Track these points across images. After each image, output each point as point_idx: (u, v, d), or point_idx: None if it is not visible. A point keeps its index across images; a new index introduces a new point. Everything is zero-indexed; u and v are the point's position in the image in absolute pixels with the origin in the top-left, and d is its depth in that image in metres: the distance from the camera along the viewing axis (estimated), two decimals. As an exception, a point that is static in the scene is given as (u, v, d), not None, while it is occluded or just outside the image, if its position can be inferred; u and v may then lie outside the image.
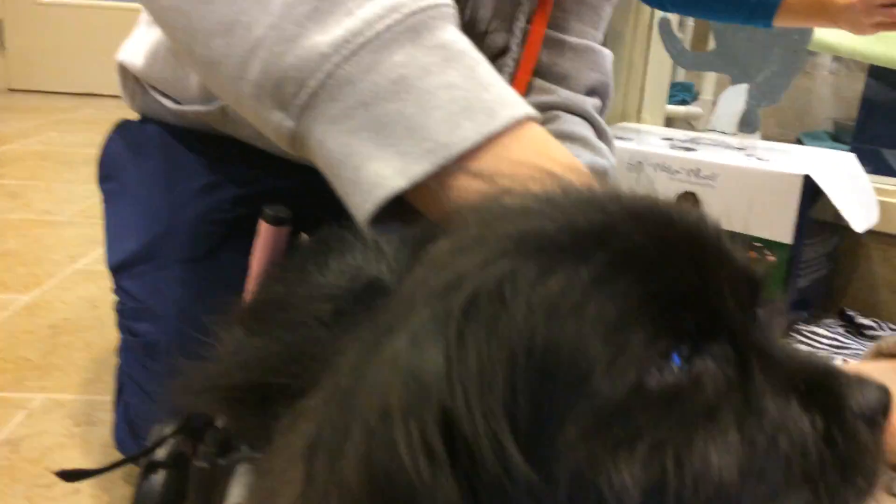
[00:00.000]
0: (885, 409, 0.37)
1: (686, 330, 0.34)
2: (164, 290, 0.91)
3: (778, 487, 0.35)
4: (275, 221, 0.74)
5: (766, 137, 1.94)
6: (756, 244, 1.55)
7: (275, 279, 0.73)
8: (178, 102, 0.96)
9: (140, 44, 0.97)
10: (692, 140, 1.78)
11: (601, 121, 0.98)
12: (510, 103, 0.56)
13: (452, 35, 0.59)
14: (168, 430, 0.74)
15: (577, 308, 0.33)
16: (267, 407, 0.52)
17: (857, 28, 1.35)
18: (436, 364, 0.32)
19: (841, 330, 1.59)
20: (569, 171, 0.51)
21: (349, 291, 0.56)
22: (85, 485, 0.95)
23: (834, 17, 1.37)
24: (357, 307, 0.52)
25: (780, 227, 1.50)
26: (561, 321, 0.33)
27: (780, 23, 1.42)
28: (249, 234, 0.77)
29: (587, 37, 0.99)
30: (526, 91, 0.93)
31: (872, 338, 1.55)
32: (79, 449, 1.03)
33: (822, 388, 0.37)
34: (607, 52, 1.01)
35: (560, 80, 0.95)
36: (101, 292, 1.51)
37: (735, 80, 1.78)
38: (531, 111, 0.57)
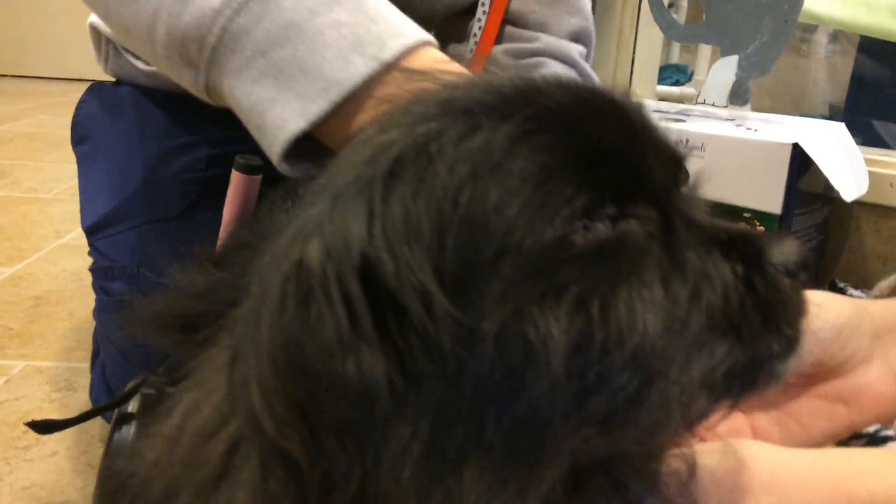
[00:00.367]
0: (804, 263, 0.37)
1: (611, 188, 0.34)
2: (137, 249, 0.90)
3: (702, 336, 0.35)
4: (246, 170, 0.73)
5: (758, 114, 1.93)
6: (745, 214, 1.54)
7: (242, 225, 0.73)
8: (148, 63, 0.95)
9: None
10: (682, 112, 1.77)
11: (587, 67, 0.97)
12: (401, 32, 0.56)
13: None
14: (139, 380, 0.73)
15: (502, 162, 0.33)
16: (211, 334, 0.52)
17: None
18: (358, 219, 0.32)
19: (831, 301, 1.58)
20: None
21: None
22: (61, 446, 0.94)
23: None
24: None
25: (769, 197, 1.49)
26: (486, 175, 0.33)
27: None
28: (223, 194, 0.76)
29: None
30: (499, 38, 0.92)
31: (862, 308, 1.54)
32: (57, 413, 1.02)
33: (742, 241, 0.37)
34: None
35: (539, 27, 0.94)
36: (85, 265, 1.48)
37: (725, 52, 1.76)
38: (425, 37, 0.57)
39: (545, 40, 0.94)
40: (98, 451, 0.93)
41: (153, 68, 0.94)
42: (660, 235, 0.36)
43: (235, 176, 0.73)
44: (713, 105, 1.79)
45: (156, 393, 0.58)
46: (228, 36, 0.56)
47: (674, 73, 3.16)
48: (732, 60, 1.73)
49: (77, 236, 1.69)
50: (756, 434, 0.56)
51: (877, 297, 0.62)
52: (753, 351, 0.36)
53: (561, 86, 0.37)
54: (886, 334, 0.55)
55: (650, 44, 1.99)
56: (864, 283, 1.65)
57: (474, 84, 0.37)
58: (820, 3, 1.72)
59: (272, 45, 0.55)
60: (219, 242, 0.73)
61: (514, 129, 0.34)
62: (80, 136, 1.01)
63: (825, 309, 0.51)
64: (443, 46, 0.91)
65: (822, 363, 0.54)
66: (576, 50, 0.96)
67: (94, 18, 0.98)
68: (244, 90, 0.57)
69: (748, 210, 1.53)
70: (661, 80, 2.84)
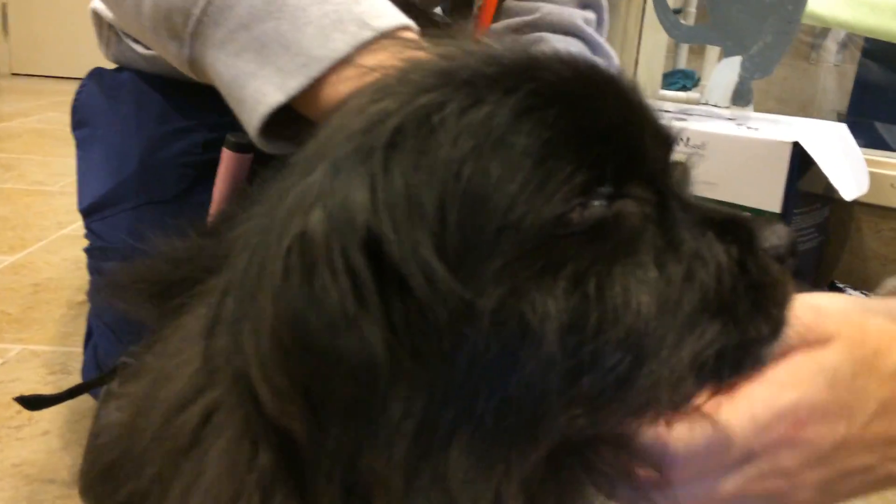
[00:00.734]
0: (792, 249, 0.37)
1: (609, 167, 0.34)
2: (132, 231, 0.91)
3: (694, 317, 0.35)
4: (237, 148, 0.74)
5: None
6: (744, 213, 1.54)
7: (233, 203, 0.73)
8: (148, 48, 0.95)
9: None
10: (684, 111, 1.77)
11: (595, 35, 0.94)
12: (382, 14, 0.56)
13: None
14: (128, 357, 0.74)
15: (505, 137, 0.33)
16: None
17: None
18: (361, 190, 0.32)
19: (831, 302, 1.58)
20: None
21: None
22: (53, 426, 0.95)
23: None
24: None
25: (769, 196, 1.49)
26: (489, 150, 0.33)
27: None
28: (219, 177, 0.77)
29: None
30: (497, 13, 0.91)
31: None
32: (51, 395, 1.03)
33: (735, 225, 0.37)
34: None
35: None
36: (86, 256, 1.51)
37: (728, 53, 1.76)
38: (405, 21, 0.57)
39: (546, 9, 0.92)
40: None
41: (153, 52, 0.94)
42: (655, 216, 0.36)
43: (226, 154, 0.74)
44: (716, 105, 1.79)
45: (135, 362, 0.58)
46: (213, 9, 0.57)
47: (681, 79, 3.15)
48: (735, 61, 1.73)
49: (79, 227, 1.69)
50: None
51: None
52: (743, 334, 0.36)
53: (561, 60, 0.36)
54: None
55: (654, 46, 2.00)
56: (865, 284, 1.64)
57: (473, 55, 0.37)
58: (824, 4, 1.72)
59: (255, 19, 0.56)
60: (209, 220, 0.74)
61: (518, 103, 0.33)
62: (79, 120, 1.02)
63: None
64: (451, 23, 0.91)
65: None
66: (580, 16, 0.93)
67: (96, 4, 0.99)
68: (226, 63, 0.58)
69: (748, 209, 1.53)
70: (668, 86, 2.84)
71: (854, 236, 1.65)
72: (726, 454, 0.42)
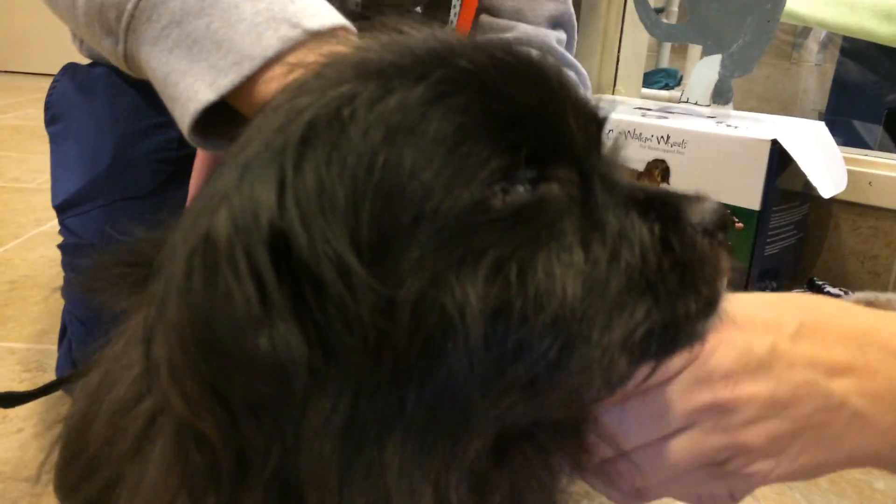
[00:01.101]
0: (721, 223, 0.37)
1: (529, 150, 0.33)
2: (106, 227, 0.90)
3: (621, 298, 0.35)
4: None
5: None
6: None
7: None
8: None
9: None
10: (664, 109, 1.78)
11: (568, 55, 0.96)
12: (316, 14, 0.56)
13: None
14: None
15: (416, 125, 0.32)
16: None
17: None
18: (267, 189, 0.31)
19: (809, 299, 1.59)
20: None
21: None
22: (28, 423, 0.94)
23: None
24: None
25: (748, 193, 1.50)
26: (400, 139, 0.32)
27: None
28: (194, 174, 0.76)
29: None
30: (473, 29, 0.92)
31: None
32: (25, 393, 1.01)
33: (660, 202, 0.37)
34: None
35: (515, 15, 0.94)
36: (63, 253, 1.50)
37: (708, 51, 1.77)
38: (341, 21, 0.57)
39: (521, 29, 0.94)
40: (64, 429, 0.92)
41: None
42: (579, 197, 0.36)
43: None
44: (696, 104, 1.80)
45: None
46: (145, 3, 0.56)
47: (663, 78, 3.17)
48: (715, 59, 1.74)
49: (56, 225, 1.69)
50: None
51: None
52: (672, 311, 0.36)
53: (476, 47, 0.36)
54: None
55: (635, 45, 2.00)
56: (843, 281, 1.65)
57: (388, 46, 0.36)
58: (803, 3, 1.73)
59: (187, 15, 0.55)
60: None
61: (428, 90, 0.33)
62: (53, 116, 1.01)
63: None
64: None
65: None
66: (554, 37, 0.96)
67: (70, -2, 0.98)
68: (159, 60, 0.57)
69: (728, 206, 1.54)
70: (651, 84, 2.85)
71: (832, 234, 1.66)
72: (663, 417, 0.42)
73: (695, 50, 2.78)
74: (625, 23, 1.96)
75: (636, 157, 1.65)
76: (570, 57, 0.98)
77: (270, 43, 0.54)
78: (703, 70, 1.76)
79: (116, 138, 0.93)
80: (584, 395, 0.36)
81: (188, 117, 0.57)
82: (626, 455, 0.42)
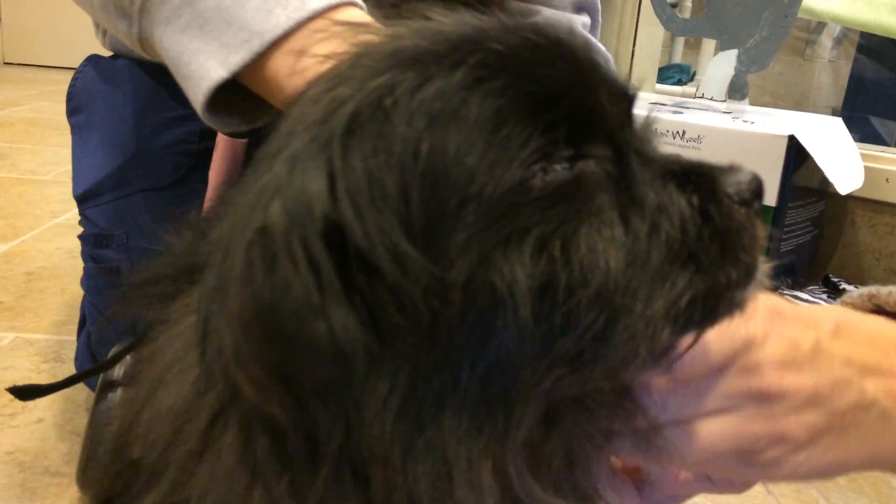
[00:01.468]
0: (757, 192, 0.37)
1: (565, 129, 0.34)
2: (127, 217, 0.90)
3: (663, 269, 0.35)
4: (233, 132, 0.73)
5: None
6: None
7: (230, 185, 0.73)
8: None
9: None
10: (680, 104, 1.77)
11: (593, 39, 0.96)
12: None
13: None
14: (123, 347, 0.73)
15: (456, 111, 0.33)
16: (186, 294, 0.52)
17: None
18: (317, 181, 0.32)
19: (824, 296, 1.58)
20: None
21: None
22: (47, 413, 0.95)
23: None
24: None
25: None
26: (442, 126, 0.33)
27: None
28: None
29: None
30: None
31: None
32: (45, 383, 1.02)
33: (696, 173, 0.37)
34: None
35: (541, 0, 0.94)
36: (79, 245, 1.50)
37: (724, 47, 1.76)
38: None
39: (546, 13, 0.94)
40: (83, 418, 0.93)
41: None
42: (616, 173, 0.36)
43: (222, 138, 0.74)
44: (711, 99, 1.79)
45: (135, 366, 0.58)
46: None
47: (677, 73, 3.16)
48: (731, 55, 1.73)
49: (72, 216, 1.69)
50: None
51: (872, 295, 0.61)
52: (713, 280, 0.36)
53: (507, 30, 0.36)
54: None
55: (650, 40, 2.00)
56: (858, 277, 1.65)
57: (420, 33, 0.36)
58: (819, -2, 1.72)
59: None
60: (206, 204, 0.73)
61: (466, 76, 0.34)
62: (75, 107, 1.02)
63: None
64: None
65: None
66: (579, 21, 0.95)
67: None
68: (172, 40, 0.58)
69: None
70: (664, 80, 2.84)
71: (848, 230, 1.65)
72: (705, 396, 0.42)
73: (708, 45, 2.76)
74: (640, 18, 1.96)
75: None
76: (595, 41, 0.97)
77: (280, 20, 0.55)
78: (719, 65, 1.76)
79: (138, 130, 0.93)
80: (629, 366, 0.37)
81: (201, 95, 0.57)
82: (674, 425, 0.42)
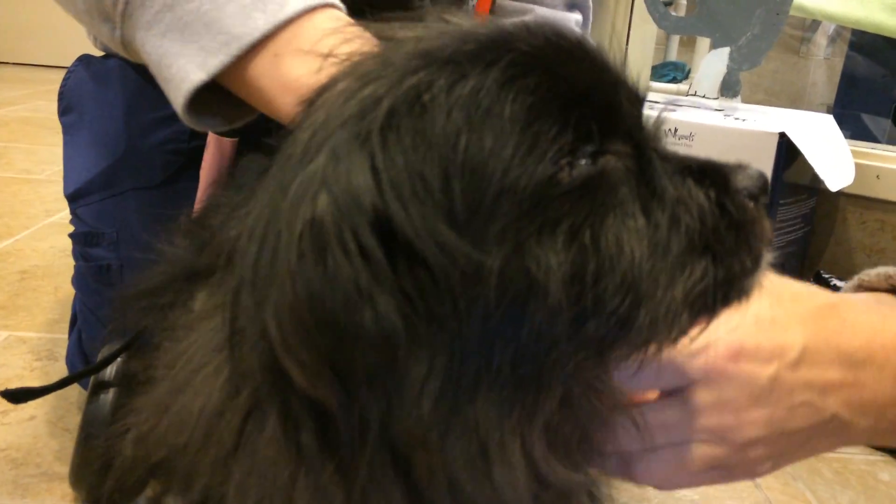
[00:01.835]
0: (764, 188, 0.41)
1: (590, 127, 0.36)
2: (117, 216, 0.91)
3: (682, 258, 0.38)
4: (223, 132, 0.74)
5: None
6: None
7: (219, 187, 0.73)
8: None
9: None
10: (672, 101, 1.78)
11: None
12: None
13: None
14: (116, 348, 0.74)
15: (492, 107, 0.35)
16: (187, 299, 0.52)
17: None
18: (363, 174, 0.33)
19: (816, 292, 1.59)
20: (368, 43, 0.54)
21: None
22: (39, 411, 0.95)
23: None
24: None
25: (755, 186, 1.50)
26: (479, 121, 0.35)
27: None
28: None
29: None
30: (492, 12, 0.92)
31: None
32: (37, 381, 1.02)
33: (710, 170, 0.41)
34: None
35: None
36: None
37: (716, 44, 1.76)
38: None
39: (539, 12, 0.94)
40: (75, 416, 0.93)
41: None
42: (636, 168, 0.39)
43: (213, 138, 0.74)
44: (704, 96, 1.80)
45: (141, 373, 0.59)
46: None
47: (672, 71, 3.16)
48: (724, 52, 1.74)
49: (67, 216, 1.69)
50: None
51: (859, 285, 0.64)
52: (729, 268, 0.39)
53: (530, 31, 0.38)
54: None
55: (643, 39, 2.00)
56: (850, 274, 1.64)
57: (447, 35, 0.38)
58: (811, -5, 1.73)
59: None
60: (196, 205, 0.74)
61: (500, 74, 0.36)
62: (67, 106, 1.02)
63: None
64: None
65: None
66: (573, 20, 0.96)
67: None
68: (153, 44, 0.59)
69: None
70: (659, 78, 2.84)
71: (839, 227, 1.66)
72: (684, 428, 0.48)
73: (703, 43, 2.77)
74: (633, 16, 1.96)
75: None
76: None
77: (258, 24, 0.55)
78: (712, 63, 1.76)
79: (129, 129, 0.94)
80: (649, 349, 0.39)
81: (181, 97, 0.58)
82: (653, 450, 0.48)
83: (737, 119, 1.56)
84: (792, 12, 1.70)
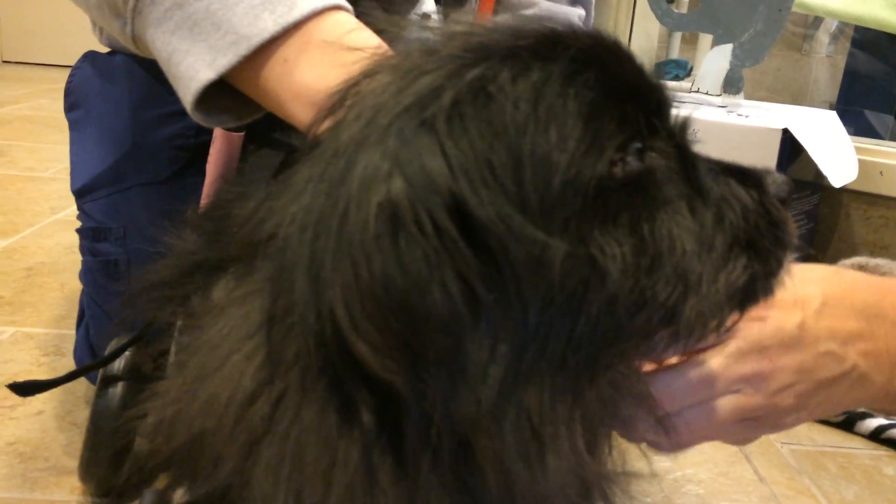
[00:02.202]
0: (791, 191, 0.43)
1: (637, 124, 0.38)
2: (124, 211, 0.91)
3: (725, 253, 0.40)
4: (229, 127, 0.74)
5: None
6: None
7: (226, 182, 0.74)
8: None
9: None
10: (675, 99, 1.78)
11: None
12: None
13: None
14: (124, 342, 0.74)
15: (556, 100, 0.36)
16: (203, 288, 0.53)
17: None
18: (436, 159, 0.34)
19: (819, 288, 1.59)
20: (373, 52, 0.56)
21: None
22: (47, 406, 0.96)
23: None
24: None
25: (758, 182, 1.50)
26: (544, 113, 0.36)
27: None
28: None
29: None
30: (497, 6, 0.93)
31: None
32: (44, 376, 1.02)
33: (746, 173, 0.43)
34: None
35: None
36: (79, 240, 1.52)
37: (719, 41, 1.76)
38: (337, 1, 0.59)
39: (544, 6, 0.95)
40: (83, 410, 0.94)
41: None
42: (678, 167, 0.40)
43: (219, 133, 0.74)
44: (706, 93, 1.80)
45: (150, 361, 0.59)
46: None
47: (674, 69, 3.16)
48: (726, 49, 1.74)
49: (71, 213, 1.69)
50: None
51: None
52: (766, 265, 0.42)
53: (575, 31, 0.40)
54: None
55: (645, 36, 2.01)
56: (853, 271, 1.66)
57: (500, 31, 0.39)
58: (814, -8, 1.73)
59: None
60: (203, 199, 0.74)
61: (563, 69, 0.37)
62: (73, 102, 1.03)
63: None
64: (444, 13, 0.93)
65: None
66: (576, 14, 0.97)
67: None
68: (163, 40, 0.60)
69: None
70: (661, 75, 2.84)
71: (843, 223, 1.66)
72: (712, 384, 0.49)
73: (705, 41, 2.77)
74: (635, 13, 1.97)
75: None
76: None
77: (266, 25, 0.56)
78: (714, 59, 1.76)
79: (136, 124, 0.94)
80: (690, 339, 0.41)
81: (190, 95, 0.59)
82: (678, 413, 0.49)
83: (740, 115, 1.57)
84: (794, 9, 1.70)
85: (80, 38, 1.01)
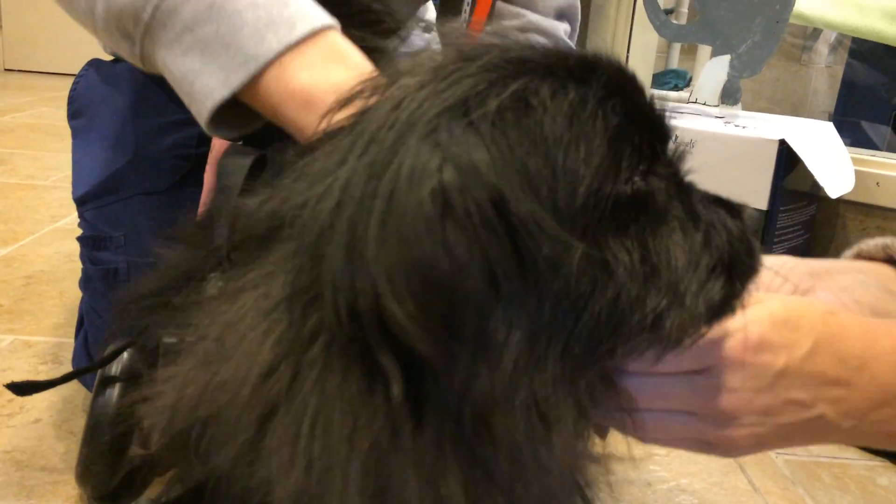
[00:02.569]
0: (755, 229, 0.48)
1: (645, 148, 0.42)
2: (125, 220, 0.92)
3: (707, 273, 0.45)
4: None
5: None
6: (732, 211, 1.56)
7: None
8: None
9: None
10: (673, 110, 1.79)
11: (572, 46, 1.00)
12: (308, 16, 0.63)
13: None
14: (120, 344, 0.75)
15: (587, 119, 0.40)
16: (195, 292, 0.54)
17: None
18: (482, 154, 0.37)
19: (816, 299, 1.59)
20: (358, 69, 0.61)
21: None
22: (45, 414, 0.96)
23: None
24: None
25: (755, 193, 1.51)
26: (577, 129, 0.40)
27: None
28: (213, 171, 0.78)
29: None
30: (490, 16, 0.94)
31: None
32: (43, 384, 1.03)
33: (729, 205, 0.48)
34: None
35: (526, 4, 0.97)
36: (78, 249, 1.51)
37: (717, 52, 1.78)
38: (328, 21, 0.64)
39: (532, 18, 0.97)
40: (80, 419, 0.94)
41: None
42: (674, 191, 0.45)
43: (216, 140, 0.75)
44: (704, 104, 1.81)
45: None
46: (160, 13, 0.63)
47: (673, 79, 3.17)
48: (724, 60, 1.75)
49: (71, 221, 1.71)
50: None
51: None
52: (739, 286, 0.46)
53: (609, 60, 0.44)
54: (821, 273, 0.63)
55: (644, 47, 2.02)
56: (851, 281, 1.66)
57: (526, 48, 0.43)
58: (811, 4, 1.74)
59: (198, 22, 0.62)
60: (201, 207, 0.75)
61: (596, 91, 0.41)
62: (76, 110, 1.03)
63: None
64: (440, 21, 0.94)
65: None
66: (561, 28, 0.98)
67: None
68: (175, 62, 0.63)
69: (735, 206, 1.54)
70: (661, 86, 2.85)
71: (840, 234, 1.67)
72: (672, 399, 0.51)
73: (704, 51, 2.78)
74: (634, 24, 1.98)
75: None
76: (572, 46, 1.01)
77: (271, 45, 0.61)
78: (712, 70, 1.77)
79: (138, 133, 0.95)
80: (668, 344, 0.45)
81: (206, 112, 0.63)
82: (647, 411, 0.51)
83: (737, 126, 1.57)
84: (792, 20, 1.71)
85: (83, 46, 1.02)
